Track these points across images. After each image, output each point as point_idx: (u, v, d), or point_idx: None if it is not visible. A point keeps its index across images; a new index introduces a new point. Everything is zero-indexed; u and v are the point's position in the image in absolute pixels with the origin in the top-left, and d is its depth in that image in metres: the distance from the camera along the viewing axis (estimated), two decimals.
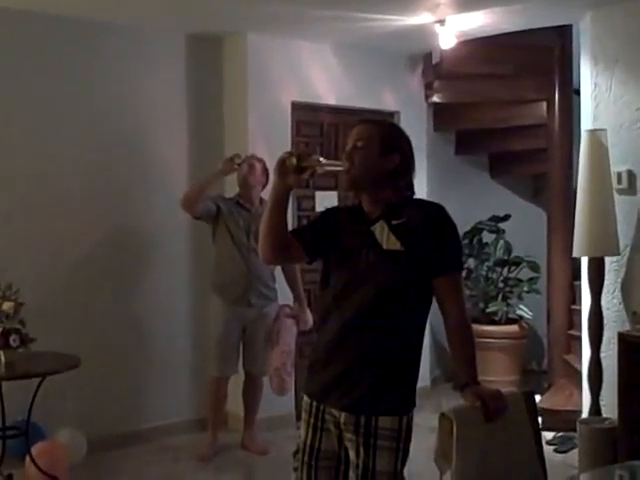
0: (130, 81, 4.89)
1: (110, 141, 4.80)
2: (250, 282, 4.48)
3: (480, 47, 5.44)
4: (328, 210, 2.53)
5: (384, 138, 2.36)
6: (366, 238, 2.31)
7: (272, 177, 2.35)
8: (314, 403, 2.38)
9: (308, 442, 2.38)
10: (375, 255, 2.28)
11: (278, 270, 4.65)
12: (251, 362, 4.61)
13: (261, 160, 4.63)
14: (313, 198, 5.54)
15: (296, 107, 5.36)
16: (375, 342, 2.26)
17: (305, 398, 2.42)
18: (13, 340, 3.74)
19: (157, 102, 5.00)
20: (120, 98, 4.85)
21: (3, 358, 3.75)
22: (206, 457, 4.53)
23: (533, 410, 2.49)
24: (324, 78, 5.47)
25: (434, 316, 2.40)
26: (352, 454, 2.32)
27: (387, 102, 5.78)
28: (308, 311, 4.65)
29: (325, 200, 5.58)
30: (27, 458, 3.94)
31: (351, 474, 2.36)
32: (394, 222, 2.29)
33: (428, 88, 6.00)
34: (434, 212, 2.32)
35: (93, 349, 4.46)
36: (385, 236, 2.28)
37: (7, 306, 3.77)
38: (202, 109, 5.20)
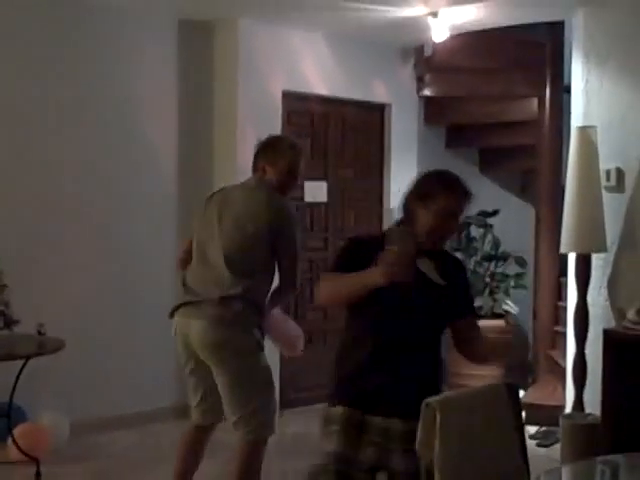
0: (118, 66, 4.86)
1: (95, 125, 4.77)
2: None
3: (473, 41, 5.44)
4: (354, 242, 2.59)
5: None
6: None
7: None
8: (353, 412, 2.38)
9: (341, 450, 2.36)
10: (422, 284, 2.40)
11: None
12: None
13: None
14: (302, 188, 5.52)
15: (287, 96, 5.34)
16: (420, 357, 2.44)
17: (339, 408, 2.41)
18: None
19: (146, 87, 4.97)
20: (108, 82, 4.81)
21: None
22: None
23: (516, 403, 2.49)
24: (316, 68, 5.45)
25: None
26: (397, 461, 2.36)
27: (378, 94, 5.78)
28: None
29: (314, 190, 5.57)
30: (9, 440, 3.93)
31: None
32: (434, 261, 2.45)
33: (419, 81, 5.99)
34: (460, 262, 2.71)
35: (78, 333, 4.44)
36: (432, 270, 2.44)
37: None
38: (191, 95, 5.17)
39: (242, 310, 3.13)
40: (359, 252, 2.44)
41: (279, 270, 3.27)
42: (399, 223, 2.52)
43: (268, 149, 3.40)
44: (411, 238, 2.32)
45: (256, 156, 3.42)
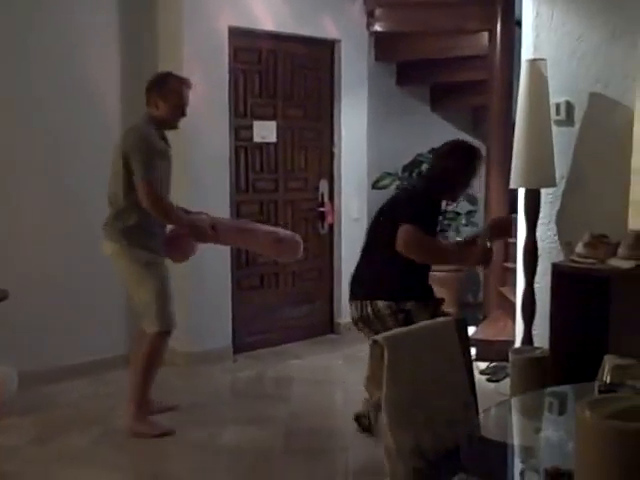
0: (58, 4, 4.64)
1: (37, 70, 4.58)
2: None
3: None
4: (433, 205, 3.75)
5: None
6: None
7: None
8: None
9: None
10: None
11: None
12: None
13: None
14: (251, 128, 5.41)
15: (234, 33, 5.18)
16: None
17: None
18: None
19: (87, 25, 4.76)
20: (47, 23, 4.60)
21: None
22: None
23: (464, 337, 2.49)
24: (263, 2, 5.28)
25: None
26: None
27: (327, 30, 5.65)
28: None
29: (263, 130, 5.46)
30: None
31: None
32: None
33: (370, 16, 5.87)
34: None
35: (25, 282, 4.34)
36: None
37: None
38: (135, 33, 4.98)
39: (124, 229, 3.78)
40: (434, 215, 3.76)
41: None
42: (427, 183, 3.83)
43: (159, 84, 3.88)
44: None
45: (148, 91, 3.89)
